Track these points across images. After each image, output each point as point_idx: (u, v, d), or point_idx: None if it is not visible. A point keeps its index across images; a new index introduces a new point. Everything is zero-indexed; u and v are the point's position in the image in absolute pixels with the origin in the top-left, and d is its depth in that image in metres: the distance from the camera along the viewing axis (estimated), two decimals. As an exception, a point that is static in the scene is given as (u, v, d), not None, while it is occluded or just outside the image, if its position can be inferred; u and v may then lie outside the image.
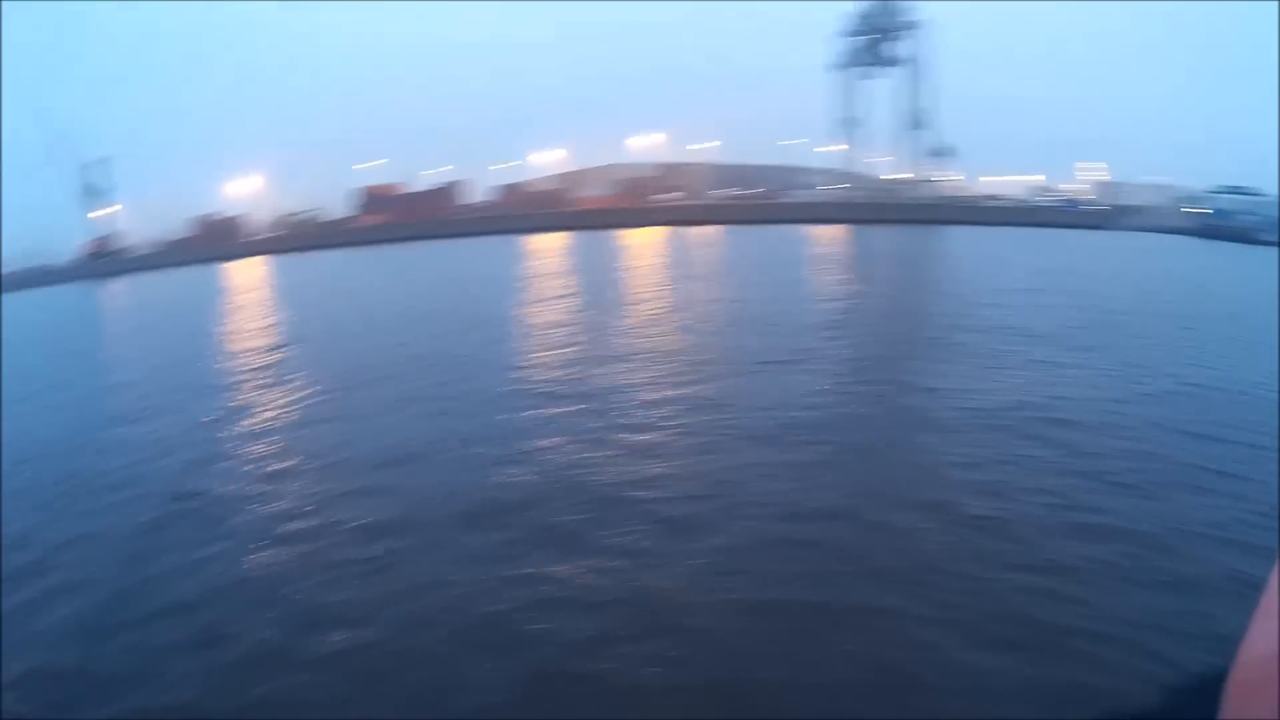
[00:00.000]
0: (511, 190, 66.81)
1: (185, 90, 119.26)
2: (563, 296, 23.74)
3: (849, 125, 71.58)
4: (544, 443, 9.17)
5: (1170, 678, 4.22)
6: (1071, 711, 4.24)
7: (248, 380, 14.78)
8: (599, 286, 26.10)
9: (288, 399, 12.78)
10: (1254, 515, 6.53)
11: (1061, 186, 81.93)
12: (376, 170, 77.78)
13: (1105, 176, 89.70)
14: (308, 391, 13.18)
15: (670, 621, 5.31)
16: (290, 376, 14.61)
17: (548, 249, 46.33)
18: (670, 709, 4.51)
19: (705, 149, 75.32)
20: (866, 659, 4.84)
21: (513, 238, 54.15)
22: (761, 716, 4.44)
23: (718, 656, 4.94)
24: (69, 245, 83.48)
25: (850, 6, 74.21)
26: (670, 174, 65.96)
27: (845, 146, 72.04)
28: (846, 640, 5.03)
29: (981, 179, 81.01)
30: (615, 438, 9.25)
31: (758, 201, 61.25)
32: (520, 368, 13.89)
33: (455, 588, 5.89)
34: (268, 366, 15.90)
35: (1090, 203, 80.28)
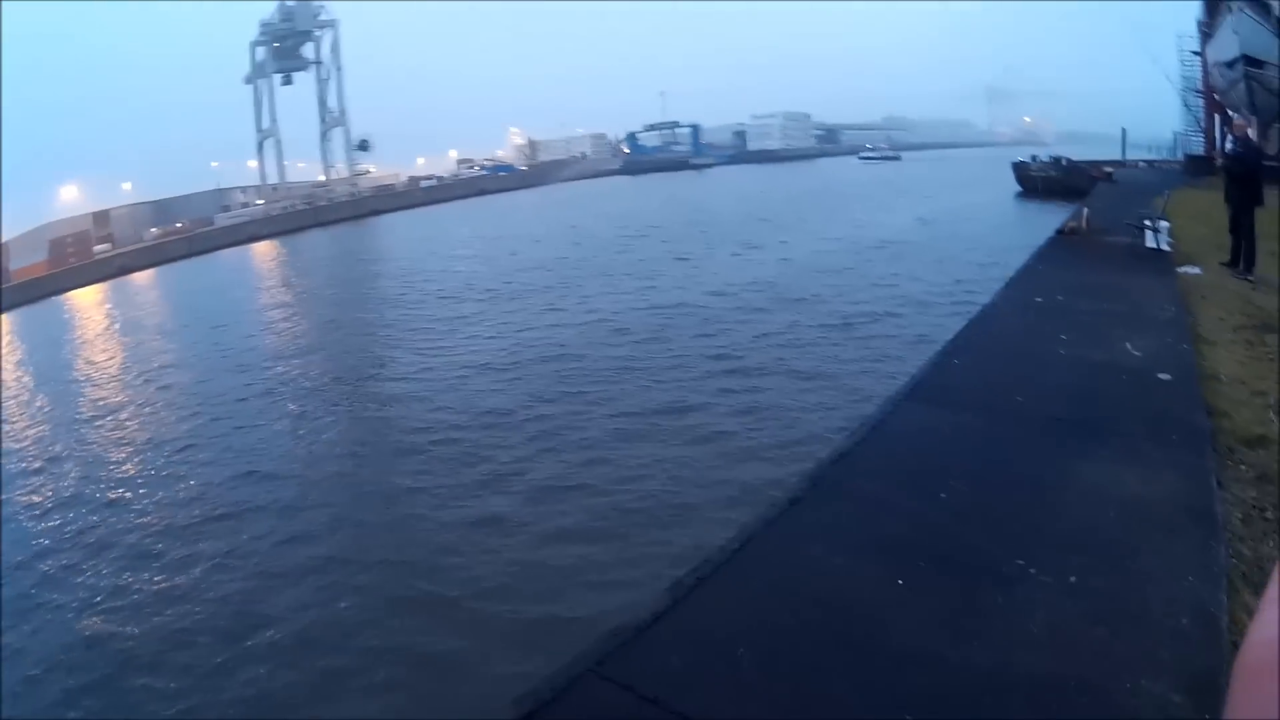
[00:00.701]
0: None
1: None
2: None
3: (268, 135, 70.10)
4: None
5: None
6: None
7: None
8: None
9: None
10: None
11: (485, 158, 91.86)
12: None
13: (528, 139, 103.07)
14: None
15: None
16: None
17: None
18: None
19: (127, 189, 66.98)
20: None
21: None
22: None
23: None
24: None
25: (260, 11, 71.41)
26: (98, 223, 58.56)
27: (262, 160, 70.52)
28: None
29: (412, 164, 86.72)
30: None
31: (187, 234, 57.32)
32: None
33: None
34: None
35: (516, 164, 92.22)
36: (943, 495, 4.27)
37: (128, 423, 14.57)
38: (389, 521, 8.48)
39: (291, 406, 13.75)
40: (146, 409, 15.39)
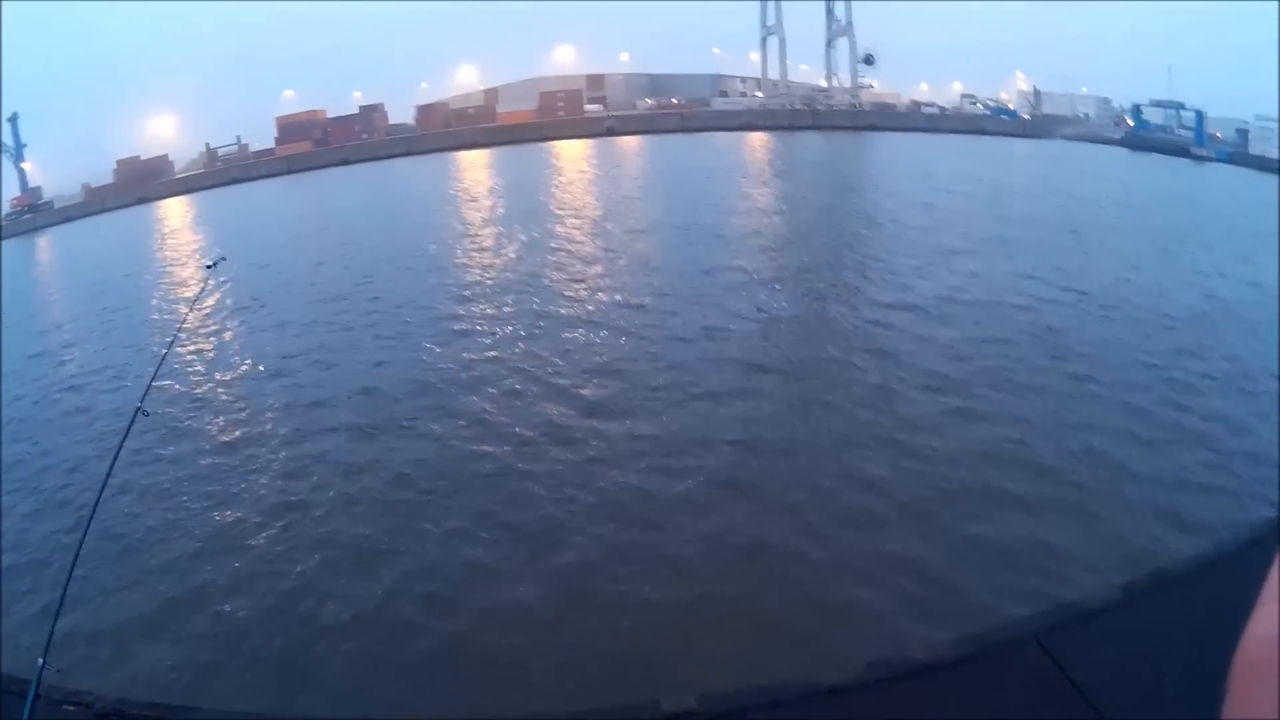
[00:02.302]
0: (431, 110, 64.62)
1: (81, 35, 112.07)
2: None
3: (772, 32, 71.34)
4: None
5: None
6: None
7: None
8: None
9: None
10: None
11: (990, 97, 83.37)
12: (291, 100, 74.65)
13: (1034, 87, 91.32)
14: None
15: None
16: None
17: (477, 164, 46.55)
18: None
19: (624, 59, 74.10)
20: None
21: (439, 156, 53.63)
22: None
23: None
24: None
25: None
26: (592, 85, 64.53)
27: (765, 55, 71.98)
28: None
29: (914, 87, 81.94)
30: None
31: (682, 110, 60.87)
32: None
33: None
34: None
35: (1019, 112, 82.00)
36: None
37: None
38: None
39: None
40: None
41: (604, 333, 12.73)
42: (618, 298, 14.61)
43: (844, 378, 10.46)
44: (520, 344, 12.54)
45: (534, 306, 14.44)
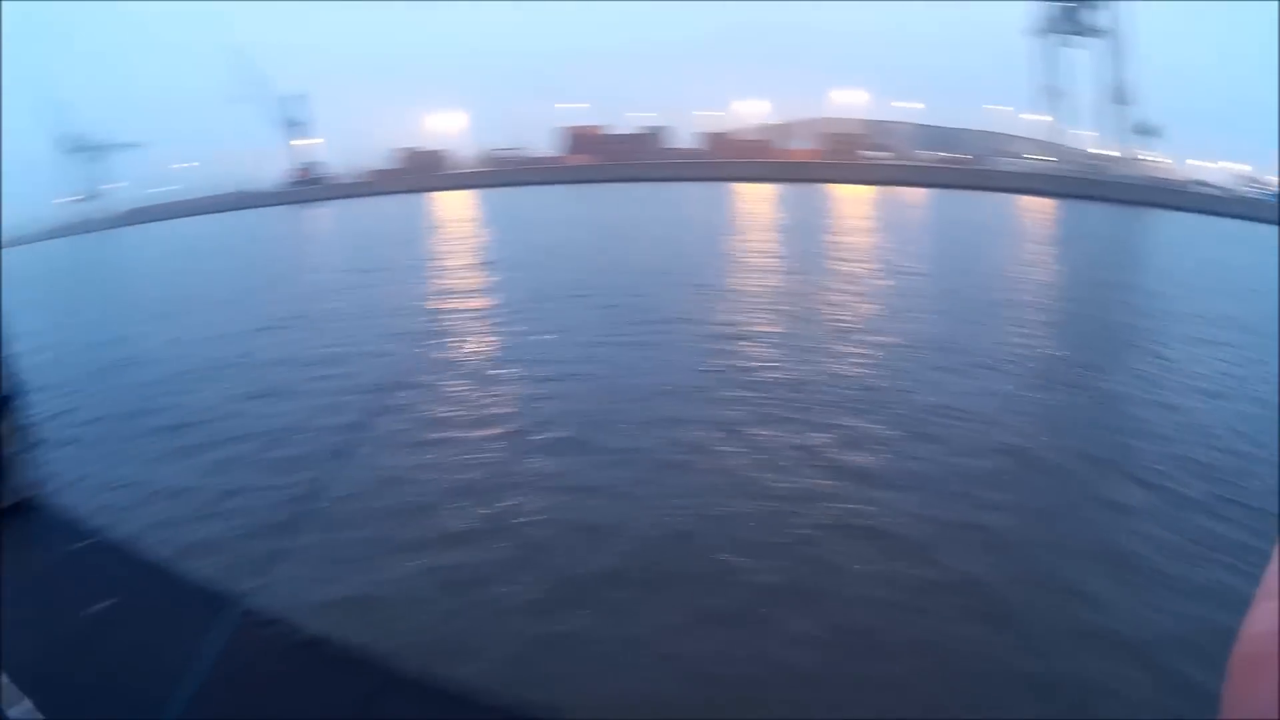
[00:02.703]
0: (716, 138, 68.25)
1: (379, 27, 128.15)
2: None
3: (1051, 94, 68.28)
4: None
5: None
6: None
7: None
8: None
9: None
10: None
11: (1269, 177, 74.51)
12: (579, 112, 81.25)
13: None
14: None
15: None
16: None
17: (760, 197, 48.14)
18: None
19: (907, 108, 73.39)
20: None
21: (717, 185, 56.15)
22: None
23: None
24: (271, 173, 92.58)
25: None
26: (875, 131, 65.19)
27: (1048, 117, 68.87)
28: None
29: (1187, 161, 75.08)
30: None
31: (964, 167, 59.82)
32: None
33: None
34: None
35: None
36: None
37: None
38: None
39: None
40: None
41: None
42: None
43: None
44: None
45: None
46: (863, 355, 13.55)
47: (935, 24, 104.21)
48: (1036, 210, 45.42)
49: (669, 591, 6.56)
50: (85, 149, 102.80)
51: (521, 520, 7.83)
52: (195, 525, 7.94)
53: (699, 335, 14.97)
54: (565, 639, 5.96)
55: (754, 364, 13.06)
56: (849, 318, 16.51)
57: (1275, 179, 71.87)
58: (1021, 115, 72.16)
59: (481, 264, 26.06)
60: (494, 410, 11.24)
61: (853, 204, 44.77)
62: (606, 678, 5.57)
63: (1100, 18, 71.58)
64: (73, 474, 9.22)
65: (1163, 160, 70.86)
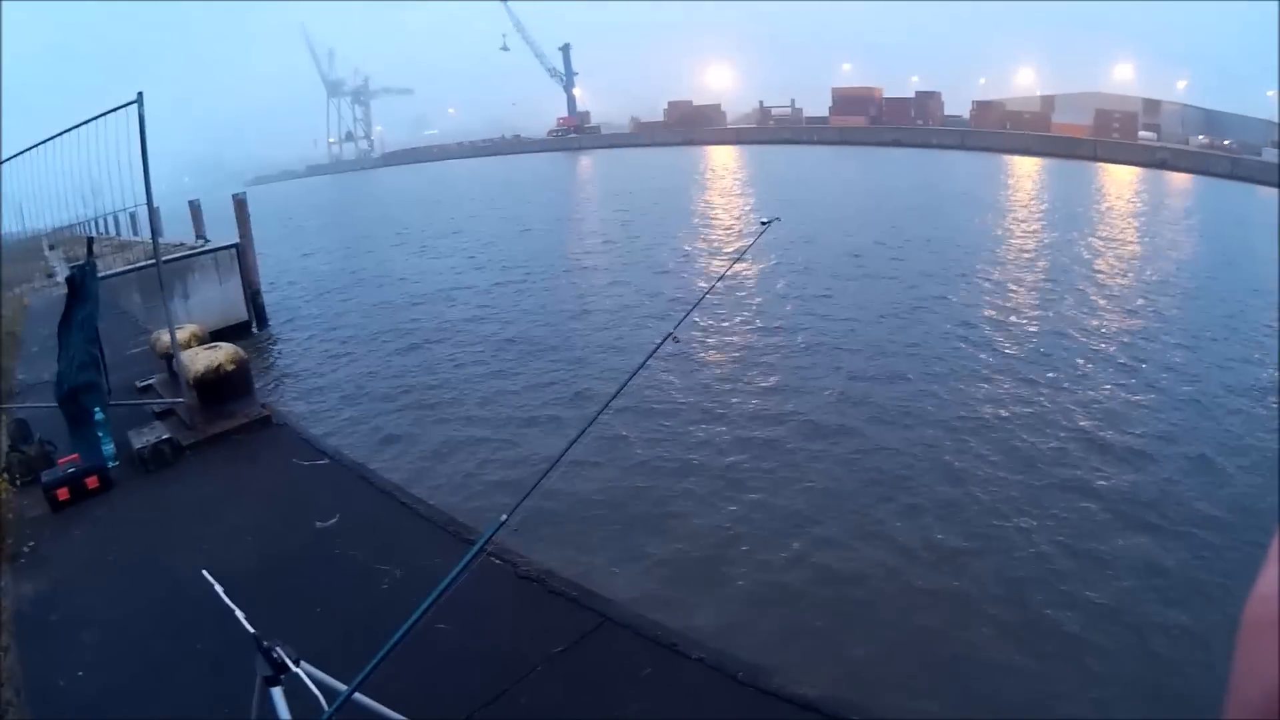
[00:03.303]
0: (988, 107, 70.64)
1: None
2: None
3: None
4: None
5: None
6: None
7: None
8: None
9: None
10: None
11: None
12: (848, 74, 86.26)
13: None
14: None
15: None
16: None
17: (1029, 172, 50.56)
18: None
19: (1181, 88, 72.12)
20: None
21: (989, 156, 59.93)
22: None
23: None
24: (540, 122, 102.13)
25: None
26: (1148, 111, 64.92)
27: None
28: None
29: None
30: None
31: (1234, 154, 58.66)
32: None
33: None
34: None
35: None
36: None
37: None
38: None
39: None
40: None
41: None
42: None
43: None
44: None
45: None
46: None
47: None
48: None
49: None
50: (354, 94, 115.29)
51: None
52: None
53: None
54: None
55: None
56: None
57: None
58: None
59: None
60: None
61: (1119, 185, 45.76)
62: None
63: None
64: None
65: None
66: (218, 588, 2.44)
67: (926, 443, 9.50)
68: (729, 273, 9.77)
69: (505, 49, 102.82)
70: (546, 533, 7.10)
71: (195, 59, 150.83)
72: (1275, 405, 10.66)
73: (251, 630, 2.34)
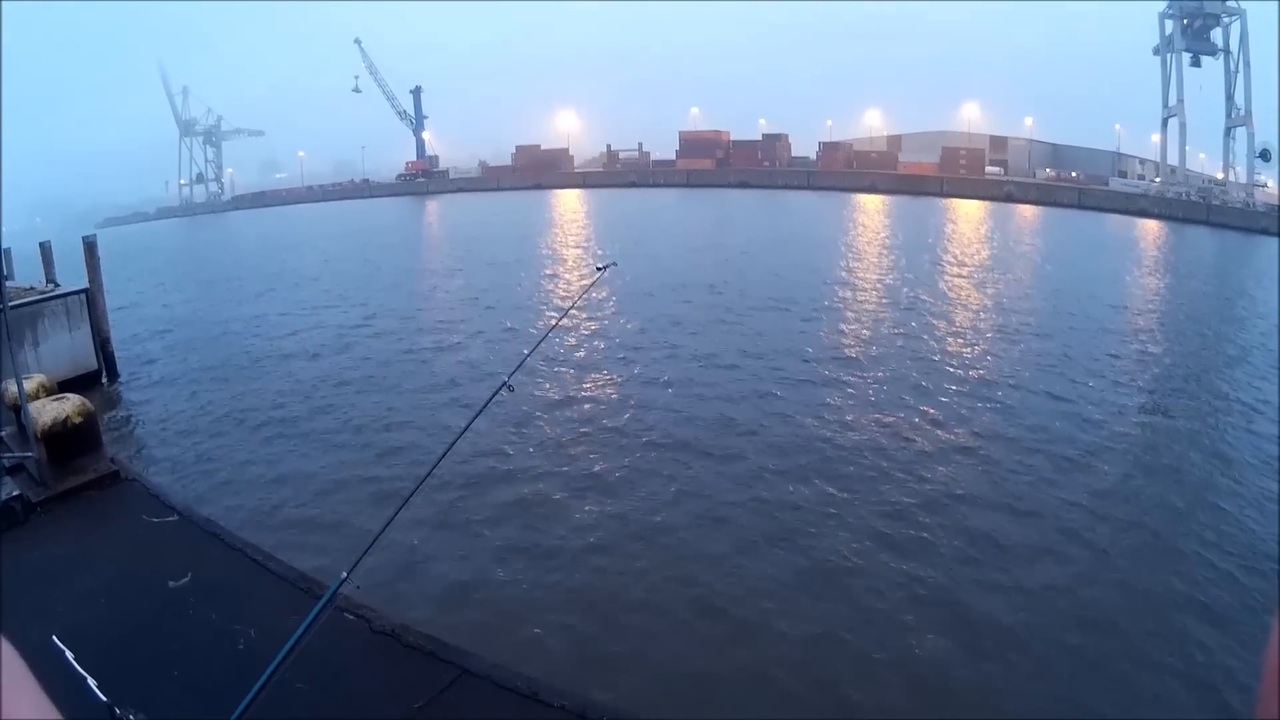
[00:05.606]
0: (835, 148, 70.72)
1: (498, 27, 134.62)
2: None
3: (1172, 115, 68.05)
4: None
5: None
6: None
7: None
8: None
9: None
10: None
11: None
12: (697, 118, 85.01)
13: None
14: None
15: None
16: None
17: (876, 209, 49.78)
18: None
19: (1028, 124, 73.81)
20: None
21: (834, 195, 58.61)
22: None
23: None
24: (388, 166, 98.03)
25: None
26: (995, 147, 66.18)
27: (1165, 138, 68.47)
28: None
29: None
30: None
31: (1080, 185, 60.65)
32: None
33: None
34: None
35: None
36: None
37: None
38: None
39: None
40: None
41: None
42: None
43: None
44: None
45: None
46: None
47: (1061, 41, 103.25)
48: (1145, 232, 44.46)
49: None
50: (206, 134, 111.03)
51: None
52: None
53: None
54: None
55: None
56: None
57: None
58: (1148, 138, 71.59)
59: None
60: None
61: (968, 220, 46.16)
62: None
63: (1217, 35, 70.35)
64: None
65: (1276, 186, 69.29)
66: (69, 655, 2.80)
67: (749, 477, 10.02)
68: (560, 323, 10.70)
69: (357, 90, 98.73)
70: (400, 587, 7.20)
71: (55, 92, 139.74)
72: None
73: (104, 699, 2.66)
